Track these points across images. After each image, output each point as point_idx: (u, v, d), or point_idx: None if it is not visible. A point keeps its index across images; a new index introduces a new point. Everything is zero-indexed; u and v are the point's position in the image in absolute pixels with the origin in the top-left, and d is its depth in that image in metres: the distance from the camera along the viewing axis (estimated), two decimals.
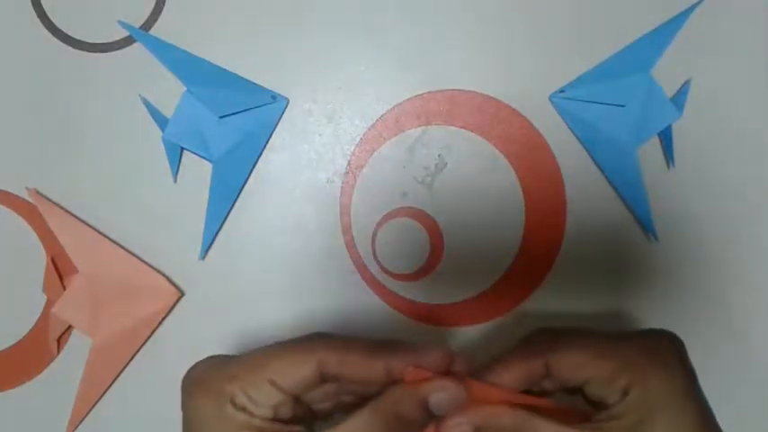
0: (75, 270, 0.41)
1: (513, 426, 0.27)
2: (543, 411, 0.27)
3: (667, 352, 0.28)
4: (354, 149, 0.41)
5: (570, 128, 0.40)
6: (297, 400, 0.27)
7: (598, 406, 0.28)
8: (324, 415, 0.29)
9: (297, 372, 0.26)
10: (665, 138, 0.40)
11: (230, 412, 0.25)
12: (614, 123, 0.40)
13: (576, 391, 0.28)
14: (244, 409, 0.26)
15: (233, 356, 0.28)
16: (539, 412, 0.27)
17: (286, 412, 0.27)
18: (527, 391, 0.29)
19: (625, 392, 0.26)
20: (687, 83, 0.40)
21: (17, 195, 0.42)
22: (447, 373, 0.27)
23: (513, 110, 0.41)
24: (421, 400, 0.26)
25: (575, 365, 0.27)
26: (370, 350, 0.27)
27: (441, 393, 0.26)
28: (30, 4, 0.42)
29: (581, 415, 0.28)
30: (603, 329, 0.29)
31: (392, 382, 0.27)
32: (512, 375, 0.28)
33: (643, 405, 0.26)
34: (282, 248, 0.41)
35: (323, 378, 0.27)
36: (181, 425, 0.27)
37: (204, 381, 0.27)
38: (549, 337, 0.29)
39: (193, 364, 0.28)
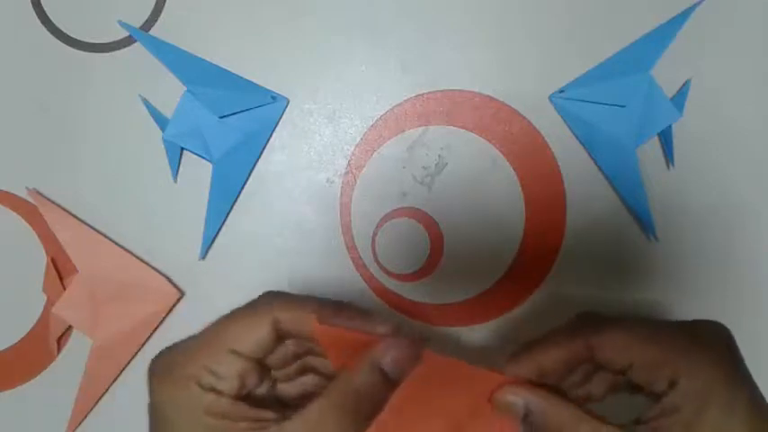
0: (75, 270, 0.41)
1: (560, 423, 0.26)
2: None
3: (714, 339, 0.27)
4: (354, 149, 0.41)
5: (570, 128, 0.40)
6: (261, 367, 0.27)
7: (642, 392, 0.27)
8: (290, 398, 0.29)
9: (253, 333, 0.26)
10: (665, 138, 0.40)
11: (197, 395, 0.25)
12: (614, 123, 0.40)
13: (619, 386, 0.28)
14: (211, 389, 0.25)
15: (192, 336, 0.27)
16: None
17: (253, 381, 0.26)
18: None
19: (672, 382, 0.25)
20: (687, 83, 0.40)
21: (17, 195, 0.42)
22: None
23: (513, 110, 0.41)
24: (373, 367, 0.25)
25: (620, 347, 0.26)
26: (319, 308, 0.27)
27: (392, 352, 0.25)
28: (30, 4, 0.42)
29: None
30: (648, 317, 0.28)
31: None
32: (552, 355, 0.27)
33: (696, 394, 0.25)
34: (282, 248, 0.41)
35: (279, 337, 0.26)
36: None
37: (170, 367, 0.26)
38: (592, 319, 0.28)
39: (158, 353, 0.27)
